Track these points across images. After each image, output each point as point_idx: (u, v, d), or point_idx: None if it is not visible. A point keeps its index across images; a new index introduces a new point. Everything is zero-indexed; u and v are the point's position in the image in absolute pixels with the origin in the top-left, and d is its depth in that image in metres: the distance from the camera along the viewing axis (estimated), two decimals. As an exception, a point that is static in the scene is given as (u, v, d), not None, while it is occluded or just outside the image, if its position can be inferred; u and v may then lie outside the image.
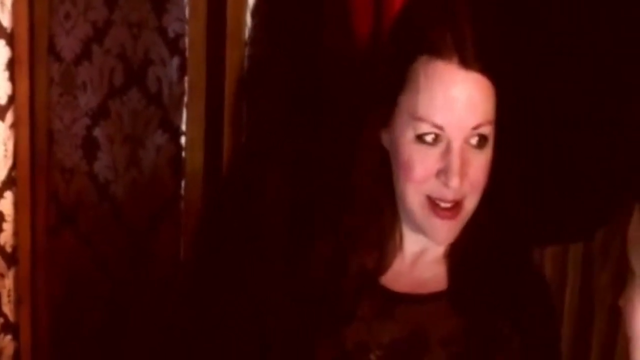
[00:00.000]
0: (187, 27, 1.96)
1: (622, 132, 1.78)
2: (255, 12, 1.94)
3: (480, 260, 1.47)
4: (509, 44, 1.48)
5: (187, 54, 1.96)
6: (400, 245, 1.51)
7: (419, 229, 1.46)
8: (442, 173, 1.39)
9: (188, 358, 1.97)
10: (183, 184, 1.97)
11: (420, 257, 1.51)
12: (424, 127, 1.39)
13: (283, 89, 1.95)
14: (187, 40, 1.96)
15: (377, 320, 1.47)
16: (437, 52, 1.38)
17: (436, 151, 1.40)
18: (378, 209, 1.50)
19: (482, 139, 1.40)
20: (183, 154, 1.96)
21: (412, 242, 1.51)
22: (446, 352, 1.43)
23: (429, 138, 1.39)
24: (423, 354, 1.44)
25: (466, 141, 1.39)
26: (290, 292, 1.53)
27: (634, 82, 1.75)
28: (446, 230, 1.44)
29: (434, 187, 1.41)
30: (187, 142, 1.96)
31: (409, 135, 1.40)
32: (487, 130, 1.40)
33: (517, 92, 1.50)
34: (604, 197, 1.84)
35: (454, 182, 1.38)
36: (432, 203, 1.42)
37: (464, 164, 1.39)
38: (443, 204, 1.42)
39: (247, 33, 1.94)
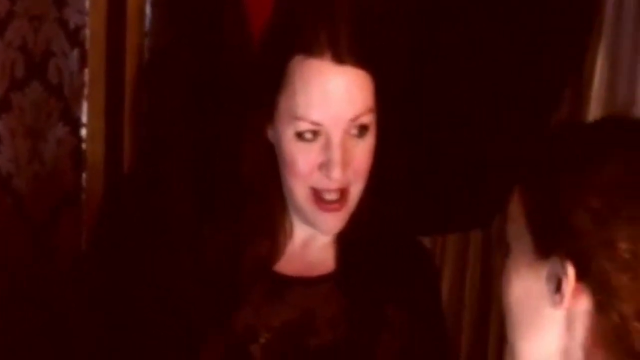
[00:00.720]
0: (87, 19, 1.96)
1: (512, 123, 1.82)
2: (156, 3, 1.95)
3: (367, 244, 1.49)
4: (392, 34, 1.50)
5: (87, 45, 1.95)
6: (290, 232, 1.52)
7: (306, 220, 1.48)
8: (324, 166, 1.41)
9: (96, 349, 1.96)
10: (84, 176, 1.96)
11: (311, 241, 1.53)
12: (302, 126, 1.41)
13: (183, 80, 1.95)
14: (87, 32, 1.96)
15: (268, 303, 1.48)
16: (311, 50, 1.39)
17: (317, 145, 1.41)
18: (268, 200, 1.51)
19: (363, 128, 1.42)
20: (84, 146, 1.95)
21: (301, 229, 1.52)
22: (332, 333, 1.45)
23: (308, 135, 1.41)
24: (310, 336, 1.45)
25: (346, 132, 1.41)
26: (188, 280, 1.53)
27: (517, 78, 1.79)
28: (332, 222, 1.46)
29: (318, 180, 1.43)
30: (87, 134, 1.95)
31: (290, 133, 1.42)
32: (367, 119, 1.42)
33: (402, 82, 1.52)
34: (498, 185, 1.87)
35: (336, 173, 1.40)
36: (318, 196, 1.43)
37: (345, 154, 1.40)
38: (328, 196, 1.43)
39: (147, 24, 1.95)
